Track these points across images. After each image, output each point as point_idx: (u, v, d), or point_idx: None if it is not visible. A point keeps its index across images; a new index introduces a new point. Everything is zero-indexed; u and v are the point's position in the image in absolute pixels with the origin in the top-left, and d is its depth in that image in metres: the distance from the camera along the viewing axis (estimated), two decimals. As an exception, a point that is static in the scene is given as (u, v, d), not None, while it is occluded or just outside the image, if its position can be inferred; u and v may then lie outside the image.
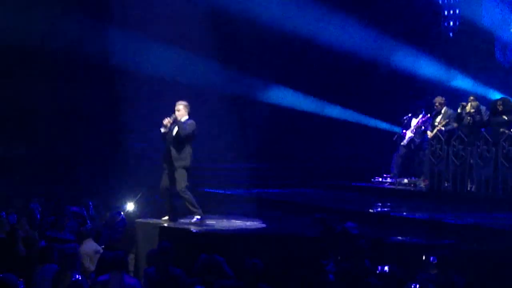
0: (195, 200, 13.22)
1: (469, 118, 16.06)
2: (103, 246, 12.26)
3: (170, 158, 13.08)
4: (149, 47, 20.23)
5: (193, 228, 12.77)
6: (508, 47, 18.71)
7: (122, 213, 13.97)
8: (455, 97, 17.91)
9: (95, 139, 19.93)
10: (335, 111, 21.19)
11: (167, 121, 13.00)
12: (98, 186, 18.22)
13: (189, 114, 13.15)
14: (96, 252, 11.85)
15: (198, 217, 13.11)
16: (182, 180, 13.04)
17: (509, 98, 16.25)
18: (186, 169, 13.09)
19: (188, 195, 13.07)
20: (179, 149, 13.03)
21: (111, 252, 9.90)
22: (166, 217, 13.30)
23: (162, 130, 13.09)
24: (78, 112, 20.04)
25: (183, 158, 13.05)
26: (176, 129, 13.04)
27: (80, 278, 8.71)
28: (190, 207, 13.16)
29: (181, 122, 12.98)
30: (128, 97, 20.10)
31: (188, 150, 13.10)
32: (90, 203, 15.15)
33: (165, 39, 20.16)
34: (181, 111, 13.07)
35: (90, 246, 12.00)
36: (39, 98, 19.55)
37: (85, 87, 19.84)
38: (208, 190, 17.55)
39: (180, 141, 13.03)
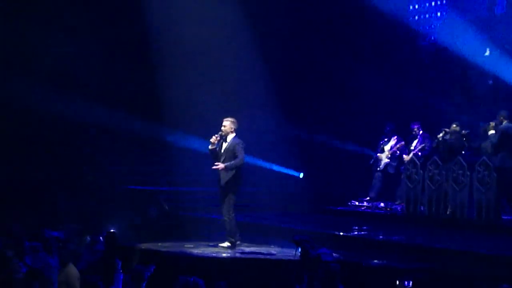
0: (236, 229, 12.98)
1: (447, 144, 16.24)
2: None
3: (219, 179, 12.92)
4: None
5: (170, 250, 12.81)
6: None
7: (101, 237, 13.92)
8: (431, 122, 18.11)
9: (72, 162, 19.81)
10: (309, 135, 21.22)
11: (214, 138, 12.82)
12: (76, 210, 18.10)
13: (235, 131, 12.94)
14: (77, 277, 11.83)
15: (229, 244, 12.90)
16: (229, 204, 12.84)
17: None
18: (235, 192, 12.92)
19: (231, 221, 12.85)
20: (227, 171, 12.84)
21: (92, 277, 9.89)
22: (225, 243, 12.96)
23: (210, 146, 12.88)
24: (55, 135, 19.87)
25: (232, 180, 12.86)
26: (224, 145, 12.84)
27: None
28: (227, 233, 12.98)
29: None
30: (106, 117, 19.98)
31: (238, 172, 12.91)
32: (69, 227, 15.10)
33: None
34: (227, 126, 12.84)
35: (71, 271, 11.99)
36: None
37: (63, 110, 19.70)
38: (186, 213, 17.55)
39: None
